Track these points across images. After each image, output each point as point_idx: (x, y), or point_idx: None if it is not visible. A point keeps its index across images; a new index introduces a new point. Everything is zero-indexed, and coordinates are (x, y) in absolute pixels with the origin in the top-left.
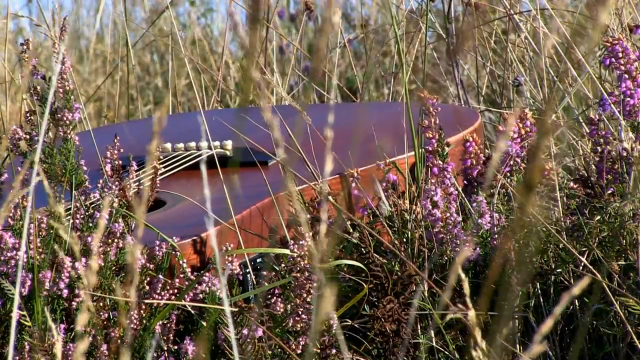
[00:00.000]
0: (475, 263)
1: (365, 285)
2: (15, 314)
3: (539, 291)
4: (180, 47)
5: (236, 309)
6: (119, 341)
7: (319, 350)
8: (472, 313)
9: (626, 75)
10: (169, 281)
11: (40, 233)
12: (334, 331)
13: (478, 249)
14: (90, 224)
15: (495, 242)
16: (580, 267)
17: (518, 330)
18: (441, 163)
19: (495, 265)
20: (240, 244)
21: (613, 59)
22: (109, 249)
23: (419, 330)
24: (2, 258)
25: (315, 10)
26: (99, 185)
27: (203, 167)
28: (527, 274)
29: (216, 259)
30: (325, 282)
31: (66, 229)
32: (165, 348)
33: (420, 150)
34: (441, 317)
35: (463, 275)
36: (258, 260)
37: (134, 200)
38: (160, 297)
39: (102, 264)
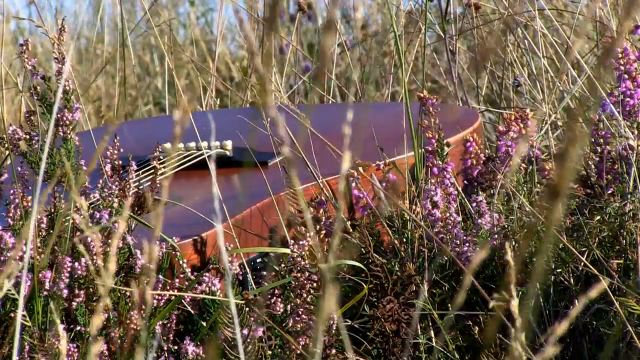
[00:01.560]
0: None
1: (365, 285)
2: (19, 316)
3: (539, 291)
4: (180, 47)
5: (242, 301)
6: (119, 341)
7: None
8: (514, 302)
9: (626, 76)
10: (169, 281)
11: (40, 233)
12: (333, 331)
13: (478, 249)
14: (91, 224)
15: (495, 242)
16: (580, 267)
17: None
18: (441, 163)
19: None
20: (237, 245)
21: (613, 59)
22: (109, 249)
23: (419, 330)
24: (2, 258)
25: (310, 10)
26: (99, 185)
27: (212, 166)
28: (537, 276)
29: (219, 257)
30: (329, 281)
31: (87, 224)
32: (165, 348)
33: (420, 150)
34: (440, 316)
35: (512, 262)
36: (258, 260)
37: (148, 200)
38: (160, 297)
39: (102, 264)
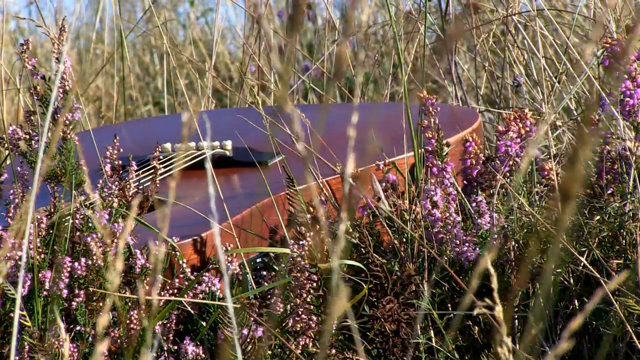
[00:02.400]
0: (475, 263)
1: (365, 285)
2: (17, 315)
3: (539, 291)
4: (179, 47)
5: (238, 305)
6: (118, 341)
7: (318, 350)
8: (499, 309)
9: (626, 76)
10: (169, 281)
11: (40, 233)
12: (333, 331)
13: (478, 249)
14: (90, 224)
15: (494, 242)
16: (580, 267)
17: (518, 330)
18: (440, 163)
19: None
20: (237, 244)
21: (612, 60)
22: (108, 249)
23: (419, 330)
24: (2, 258)
25: (310, 10)
26: (99, 185)
27: (209, 166)
28: (527, 273)
29: (217, 257)
30: (339, 283)
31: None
32: (165, 348)
33: (420, 150)
34: (440, 316)
35: (492, 270)
36: (258, 260)
37: (154, 200)
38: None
39: (102, 264)
